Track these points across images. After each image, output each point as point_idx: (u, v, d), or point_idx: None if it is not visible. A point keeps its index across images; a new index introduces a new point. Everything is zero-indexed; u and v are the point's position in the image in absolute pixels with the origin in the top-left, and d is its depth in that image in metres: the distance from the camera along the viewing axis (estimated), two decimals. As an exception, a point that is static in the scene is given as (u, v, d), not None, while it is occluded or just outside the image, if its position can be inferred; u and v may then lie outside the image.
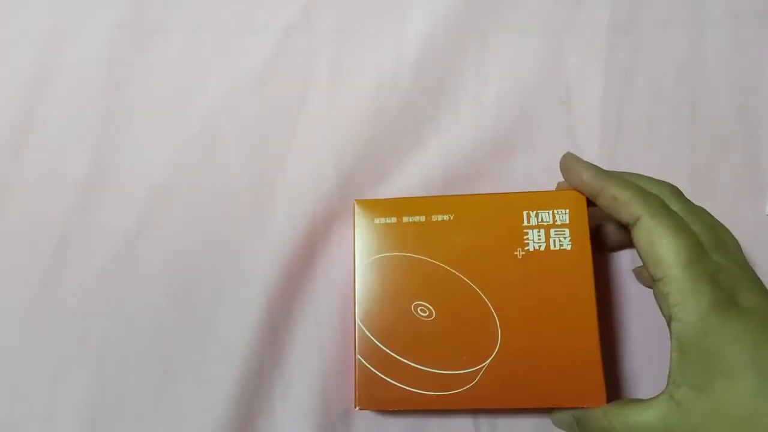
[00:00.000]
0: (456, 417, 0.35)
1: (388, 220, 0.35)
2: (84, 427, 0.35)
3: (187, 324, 0.36)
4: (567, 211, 0.34)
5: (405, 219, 0.35)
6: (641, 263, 0.33)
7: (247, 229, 0.38)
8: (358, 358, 0.34)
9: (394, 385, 0.33)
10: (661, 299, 0.30)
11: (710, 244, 0.30)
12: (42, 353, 0.36)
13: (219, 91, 0.40)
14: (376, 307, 0.34)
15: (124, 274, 0.37)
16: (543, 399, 0.33)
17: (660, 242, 0.29)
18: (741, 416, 0.26)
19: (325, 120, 0.39)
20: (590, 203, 0.34)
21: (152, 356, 0.36)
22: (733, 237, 0.31)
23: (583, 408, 0.32)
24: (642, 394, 0.35)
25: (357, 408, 0.33)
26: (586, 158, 0.37)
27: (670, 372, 0.29)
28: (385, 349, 0.34)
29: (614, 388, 0.35)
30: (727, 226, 0.35)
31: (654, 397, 0.29)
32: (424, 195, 0.38)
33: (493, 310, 0.34)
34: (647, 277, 0.33)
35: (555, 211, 0.34)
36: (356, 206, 0.36)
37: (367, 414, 0.35)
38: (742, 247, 0.31)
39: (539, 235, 0.34)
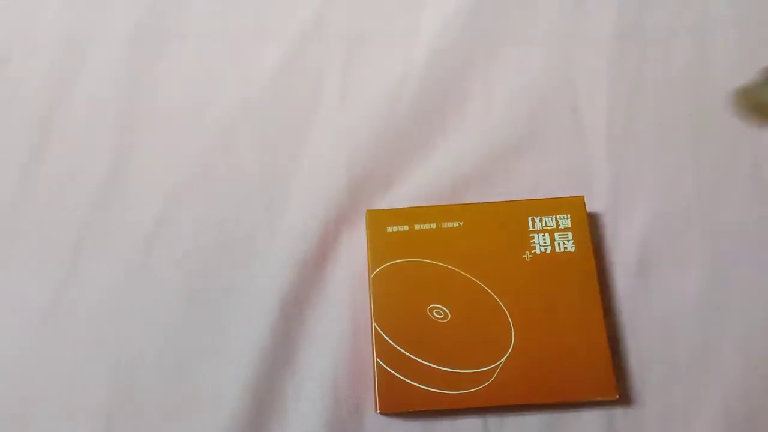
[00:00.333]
0: (465, 417, 0.36)
1: (400, 228, 0.37)
2: (100, 424, 0.35)
3: (202, 322, 0.37)
4: (568, 216, 0.37)
5: (417, 227, 0.37)
6: None
7: (260, 230, 0.39)
8: (377, 361, 0.34)
9: (414, 386, 0.34)
10: None
11: None
12: (59, 350, 0.36)
13: (234, 96, 0.41)
14: (393, 311, 0.35)
15: (140, 272, 0.38)
16: (556, 394, 0.34)
17: None
18: None
19: (337, 125, 0.41)
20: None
21: (167, 353, 0.36)
22: None
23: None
24: (649, 385, 0.36)
25: (378, 412, 0.34)
26: (593, 164, 0.40)
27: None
28: (403, 351, 0.34)
29: (622, 380, 0.36)
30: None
31: None
32: (434, 200, 0.40)
33: (505, 310, 0.35)
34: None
35: (558, 216, 0.37)
36: (368, 216, 0.37)
37: (377, 413, 0.35)
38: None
39: (544, 239, 0.36)
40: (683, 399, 0.35)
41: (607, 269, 0.38)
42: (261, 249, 0.38)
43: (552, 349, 0.34)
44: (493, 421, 0.35)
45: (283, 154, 0.40)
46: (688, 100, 0.41)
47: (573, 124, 0.41)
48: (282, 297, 0.37)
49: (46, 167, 0.39)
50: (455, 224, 0.37)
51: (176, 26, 0.42)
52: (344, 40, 0.43)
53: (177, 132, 0.40)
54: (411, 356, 0.34)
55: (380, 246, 0.36)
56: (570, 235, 0.36)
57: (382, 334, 0.35)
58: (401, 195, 0.40)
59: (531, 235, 0.36)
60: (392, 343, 0.35)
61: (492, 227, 0.36)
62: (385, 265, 0.36)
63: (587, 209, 0.37)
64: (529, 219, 0.37)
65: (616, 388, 0.34)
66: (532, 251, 0.36)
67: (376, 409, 0.34)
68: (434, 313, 0.35)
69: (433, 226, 0.37)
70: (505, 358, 0.34)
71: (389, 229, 0.37)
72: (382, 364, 0.34)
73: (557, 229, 0.36)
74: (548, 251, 0.36)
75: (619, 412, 0.35)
